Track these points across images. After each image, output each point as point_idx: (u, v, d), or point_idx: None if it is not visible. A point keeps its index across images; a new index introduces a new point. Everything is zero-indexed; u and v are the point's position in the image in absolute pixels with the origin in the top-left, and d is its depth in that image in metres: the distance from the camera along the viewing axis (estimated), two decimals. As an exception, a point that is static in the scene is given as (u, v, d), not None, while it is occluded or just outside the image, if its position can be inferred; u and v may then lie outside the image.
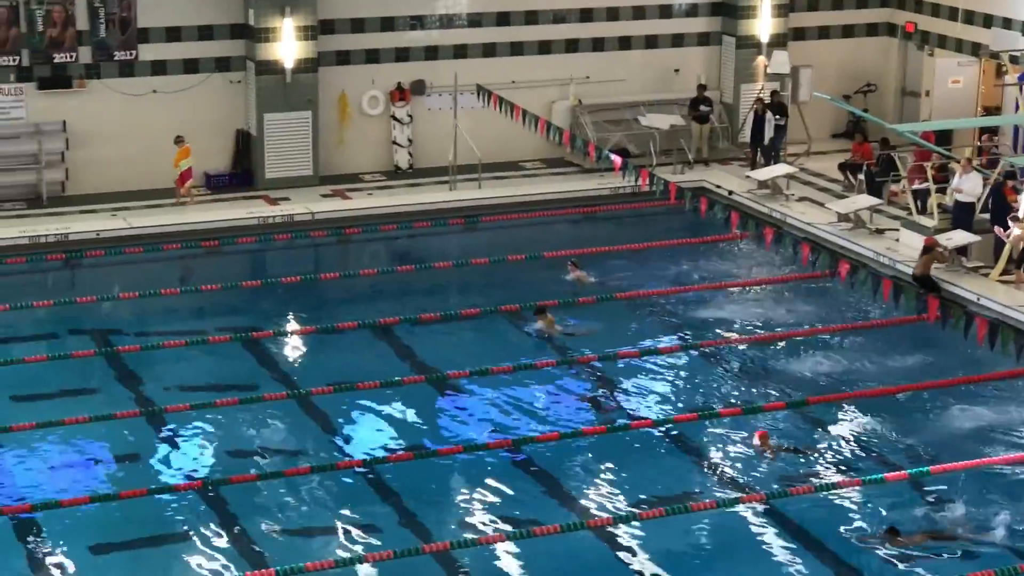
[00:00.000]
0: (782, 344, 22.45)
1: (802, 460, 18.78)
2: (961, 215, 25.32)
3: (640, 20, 31.36)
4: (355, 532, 16.96)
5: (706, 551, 16.93)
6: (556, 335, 22.46)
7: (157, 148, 27.96)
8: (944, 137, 29.10)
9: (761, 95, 30.66)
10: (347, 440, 19.28)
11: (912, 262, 24.41)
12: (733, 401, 20.48)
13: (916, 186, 26.90)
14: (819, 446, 19.17)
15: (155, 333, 22.54)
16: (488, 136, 29.37)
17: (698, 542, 17.01)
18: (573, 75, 30.91)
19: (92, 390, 20.64)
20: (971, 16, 30.58)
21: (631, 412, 20.12)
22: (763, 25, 31.46)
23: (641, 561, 16.53)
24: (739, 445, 19.11)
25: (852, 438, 19.44)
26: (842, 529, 17.10)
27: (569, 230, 28.06)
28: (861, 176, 28.15)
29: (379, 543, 16.67)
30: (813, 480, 18.22)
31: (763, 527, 17.25)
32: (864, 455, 18.97)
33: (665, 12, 31.58)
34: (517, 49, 30.70)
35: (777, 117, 29.95)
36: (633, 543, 16.82)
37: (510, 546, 16.64)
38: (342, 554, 16.46)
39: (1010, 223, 24.10)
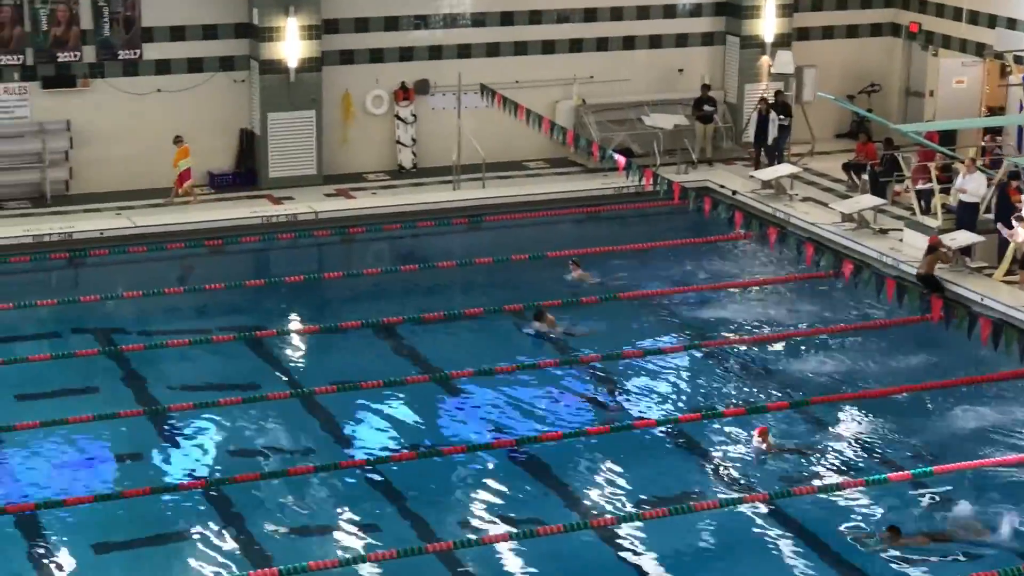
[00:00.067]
0: (785, 344, 22.44)
1: (804, 461, 18.77)
2: (965, 215, 25.33)
3: (644, 20, 31.36)
4: (358, 531, 16.96)
5: (709, 551, 16.91)
6: (558, 334, 22.46)
7: (161, 147, 27.96)
8: (948, 137, 29.08)
9: (765, 95, 30.65)
10: (350, 439, 19.28)
11: (916, 262, 24.39)
12: (736, 401, 20.48)
13: (920, 186, 26.92)
14: (822, 446, 19.17)
15: (158, 332, 22.55)
16: (492, 136, 29.38)
17: (701, 542, 17.00)
18: (577, 75, 30.90)
19: (95, 389, 20.64)
20: (975, 16, 30.57)
21: (634, 412, 20.12)
22: (767, 25, 31.46)
23: (644, 561, 16.53)
24: (742, 445, 19.11)
25: (855, 438, 19.43)
26: (844, 529, 17.09)
27: (573, 230, 28.06)
28: (865, 176, 28.14)
29: (382, 542, 16.66)
30: (816, 480, 18.22)
31: (766, 527, 17.24)
32: (867, 455, 18.97)
33: (669, 12, 31.58)
34: (521, 49, 30.70)
35: (781, 117, 29.94)
36: (636, 543, 16.82)
37: (513, 546, 16.64)
38: (345, 554, 16.46)
39: (1014, 223, 24.09)
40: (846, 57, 32.67)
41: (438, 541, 16.64)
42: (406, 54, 29.97)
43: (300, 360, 22.24)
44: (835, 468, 18.58)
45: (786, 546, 16.87)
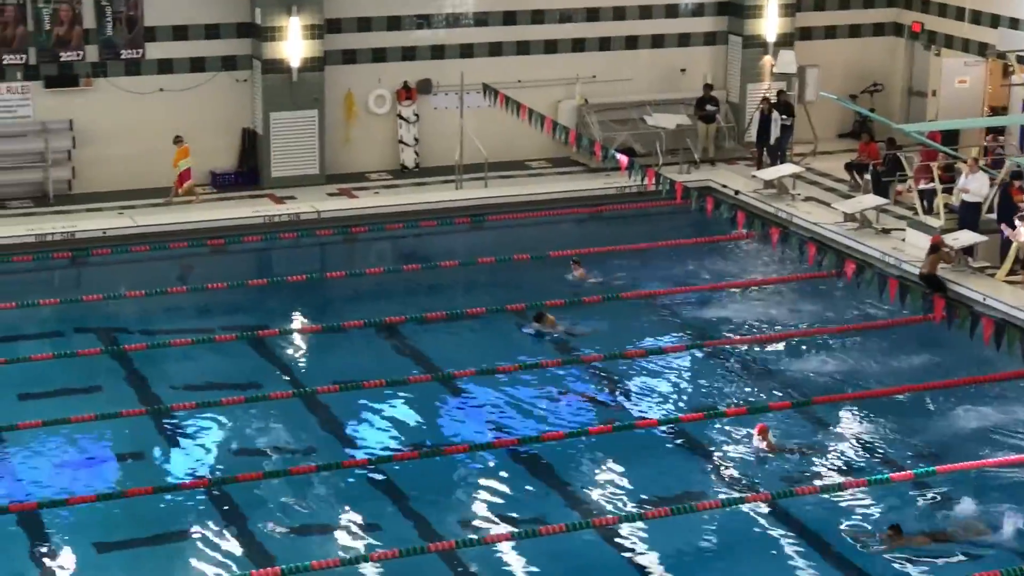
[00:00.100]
0: (787, 344, 22.44)
1: (805, 460, 18.76)
2: (967, 215, 25.32)
3: (647, 19, 31.36)
4: (360, 531, 16.97)
5: (711, 551, 16.91)
6: (559, 334, 22.46)
7: (163, 146, 27.96)
8: (950, 137, 29.07)
9: (767, 95, 30.64)
10: (352, 439, 19.28)
11: (918, 262, 24.39)
12: (738, 401, 20.47)
13: (922, 186, 26.91)
14: (824, 446, 19.17)
15: (161, 331, 22.56)
16: (494, 135, 29.38)
17: (702, 542, 16.99)
18: (579, 74, 30.91)
19: (98, 388, 20.64)
20: (978, 16, 30.55)
21: (636, 411, 20.12)
22: (770, 25, 31.46)
23: (645, 561, 16.53)
24: (743, 445, 19.10)
25: (857, 438, 19.43)
26: (846, 529, 17.09)
27: (575, 229, 28.07)
28: (867, 176, 28.13)
29: (384, 542, 16.67)
30: (818, 480, 18.21)
31: (768, 527, 17.24)
32: (869, 455, 18.97)
33: (671, 12, 31.57)
34: (523, 48, 30.70)
35: (783, 117, 29.93)
36: (637, 543, 16.82)
37: (515, 545, 16.64)
38: (347, 553, 16.47)
39: (1016, 223, 24.08)
40: (848, 57, 32.66)
41: (440, 540, 16.65)
42: (408, 54, 29.97)
43: (302, 359, 22.24)
44: (837, 468, 18.58)
45: (788, 546, 16.87)
